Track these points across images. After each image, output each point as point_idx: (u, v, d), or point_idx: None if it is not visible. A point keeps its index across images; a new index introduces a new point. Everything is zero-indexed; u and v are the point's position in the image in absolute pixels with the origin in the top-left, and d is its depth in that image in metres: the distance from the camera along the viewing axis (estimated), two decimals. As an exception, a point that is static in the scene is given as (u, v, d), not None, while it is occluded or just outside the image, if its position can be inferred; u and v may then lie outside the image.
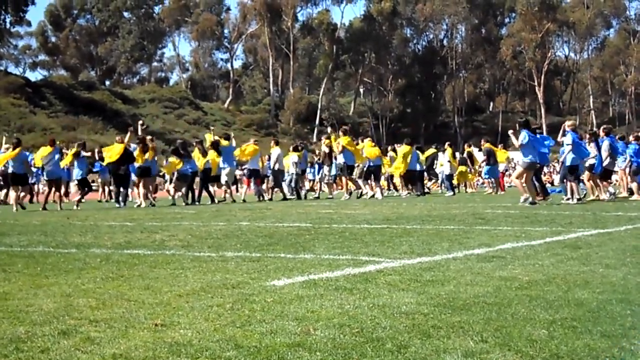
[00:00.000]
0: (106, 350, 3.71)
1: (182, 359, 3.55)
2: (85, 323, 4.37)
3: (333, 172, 25.73)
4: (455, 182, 30.37)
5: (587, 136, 20.37)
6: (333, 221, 12.86)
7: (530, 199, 17.31)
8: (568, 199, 18.38)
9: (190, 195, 23.46)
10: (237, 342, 3.80)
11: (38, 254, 8.28)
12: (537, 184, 19.56)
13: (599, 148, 19.52)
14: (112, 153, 21.87)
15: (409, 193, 26.62)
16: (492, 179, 29.12)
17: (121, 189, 22.13)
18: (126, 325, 4.29)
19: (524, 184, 17.67)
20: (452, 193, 28.13)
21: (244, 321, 4.32)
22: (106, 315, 4.61)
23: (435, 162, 30.54)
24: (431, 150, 30.92)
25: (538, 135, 19.99)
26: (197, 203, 23.31)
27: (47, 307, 4.93)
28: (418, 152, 29.18)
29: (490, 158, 28.41)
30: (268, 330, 4.06)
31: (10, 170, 21.74)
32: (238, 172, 30.12)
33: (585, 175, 19.69)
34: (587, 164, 19.43)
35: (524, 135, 17.55)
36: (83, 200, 23.50)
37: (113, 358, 3.58)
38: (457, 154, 31.72)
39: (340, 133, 24.75)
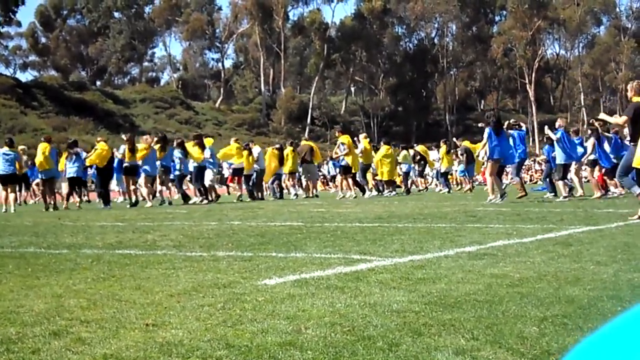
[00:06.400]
0: (97, 350, 3.71)
1: (173, 358, 3.55)
2: (76, 323, 4.37)
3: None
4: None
5: (589, 132, 20.40)
6: (325, 220, 12.87)
7: (498, 197, 17.35)
8: (566, 197, 18.36)
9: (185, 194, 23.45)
10: (229, 342, 3.80)
11: (29, 254, 8.27)
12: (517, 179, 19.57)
13: (600, 144, 19.55)
14: (97, 156, 21.71)
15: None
16: (468, 177, 29.27)
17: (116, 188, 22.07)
18: (117, 325, 4.29)
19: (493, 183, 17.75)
20: (447, 190, 28.18)
21: (235, 320, 4.33)
22: (97, 315, 4.61)
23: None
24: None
25: (515, 133, 20.01)
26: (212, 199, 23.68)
27: (38, 307, 4.93)
28: (405, 151, 29.30)
29: (468, 156, 28.41)
30: (259, 329, 4.07)
31: (2, 171, 21.46)
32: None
33: (573, 171, 19.78)
34: (586, 161, 19.52)
35: (487, 133, 17.67)
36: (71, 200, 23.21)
37: (104, 358, 3.58)
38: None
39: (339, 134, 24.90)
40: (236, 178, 25.99)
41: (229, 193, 25.95)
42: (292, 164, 26.58)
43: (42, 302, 5.13)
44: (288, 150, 26.75)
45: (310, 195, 26.70)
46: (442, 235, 9.17)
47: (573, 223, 10.76)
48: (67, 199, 22.54)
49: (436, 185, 31.39)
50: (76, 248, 8.87)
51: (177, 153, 22.93)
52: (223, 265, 6.88)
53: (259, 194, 25.89)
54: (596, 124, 20.34)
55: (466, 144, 28.92)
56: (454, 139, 32.36)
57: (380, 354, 3.50)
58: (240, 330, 4.07)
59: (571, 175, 20.32)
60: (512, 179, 19.93)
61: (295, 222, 12.35)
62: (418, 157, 30.10)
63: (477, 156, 22.71)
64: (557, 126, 19.22)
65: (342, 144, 24.50)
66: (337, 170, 27.15)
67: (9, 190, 21.43)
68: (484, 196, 19.54)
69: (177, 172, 23.18)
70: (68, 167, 22.11)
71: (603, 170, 20.06)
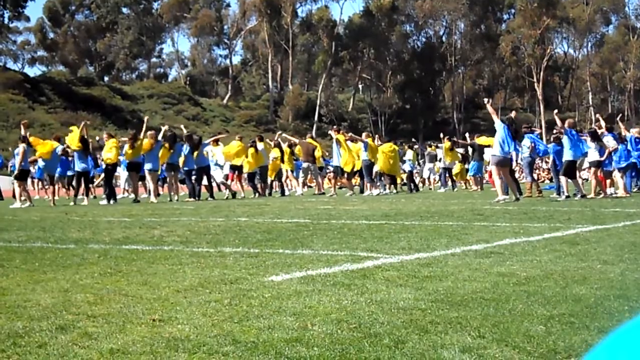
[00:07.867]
0: (104, 345, 3.72)
1: (179, 354, 3.55)
2: (83, 318, 4.37)
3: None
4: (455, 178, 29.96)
5: (588, 134, 20.35)
6: (332, 217, 12.87)
7: (509, 197, 17.35)
8: (567, 196, 18.37)
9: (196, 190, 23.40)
10: (235, 337, 3.80)
11: (36, 249, 8.29)
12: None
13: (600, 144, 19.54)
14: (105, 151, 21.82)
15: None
16: (478, 176, 28.56)
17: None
18: (124, 320, 4.29)
19: (502, 183, 17.75)
20: (448, 188, 28.06)
21: (242, 316, 4.33)
22: (104, 310, 4.62)
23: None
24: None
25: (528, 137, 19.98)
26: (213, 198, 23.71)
27: (45, 302, 4.94)
28: (410, 150, 29.27)
29: (475, 153, 27.70)
30: (266, 325, 4.07)
31: (16, 166, 21.52)
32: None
33: (591, 172, 19.74)
34: (590, 161, 19.49)
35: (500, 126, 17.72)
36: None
37: (110, 353, 3.58)
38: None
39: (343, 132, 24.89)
40: (236, 176, 25.98)
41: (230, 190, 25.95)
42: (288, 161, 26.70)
43: (49, 297, 5.14)
44: (285, 146, 26.73)
45: (319, 192, 26.66)
46: (449, 233, 9.17)
47: (580, 222, 10.74)
48: (87, 194, 22.38)
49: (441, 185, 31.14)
50: (83, 243, 8.88)
51: (185, 149, 22.95)
52: (230, 261, 6.89)
53: (266, 191, 25.86)
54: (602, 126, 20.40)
55: (481, 140, 27.34)
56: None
57: (387, 351, 3.50)
58: (246, 326, 4.08)
59: (588, 176, 20.29)
60: (524, 178, 19.92)
61: (302, 219, 12.35)
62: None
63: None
64: (566, 126, 19.24)
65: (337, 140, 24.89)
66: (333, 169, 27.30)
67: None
68: (491, 195, 19.53)
69: (185, 169, 23.16)
70: (78, 163, 22.01)
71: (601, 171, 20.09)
